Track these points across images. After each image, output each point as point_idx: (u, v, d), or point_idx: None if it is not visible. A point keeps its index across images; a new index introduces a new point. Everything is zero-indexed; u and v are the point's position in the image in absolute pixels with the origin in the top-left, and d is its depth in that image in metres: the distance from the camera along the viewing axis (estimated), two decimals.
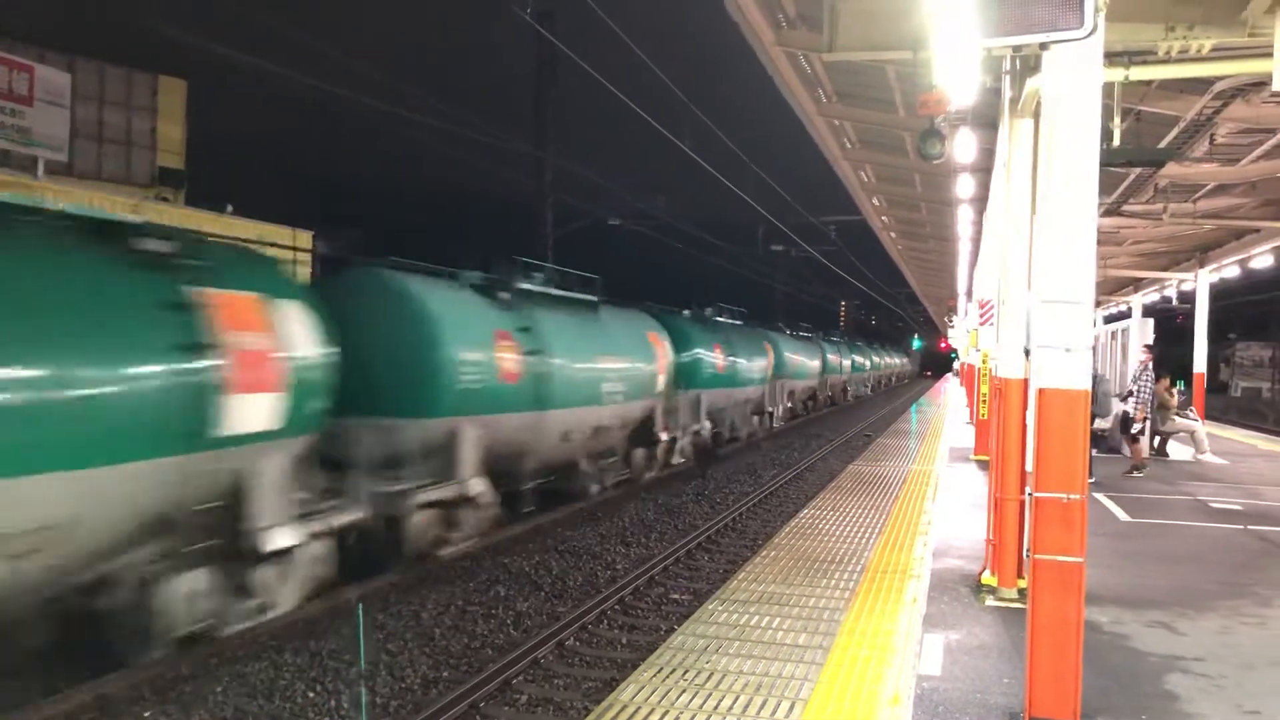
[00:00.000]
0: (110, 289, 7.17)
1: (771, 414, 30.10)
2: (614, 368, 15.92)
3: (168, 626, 7.74)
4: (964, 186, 15.60)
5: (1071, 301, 5.22)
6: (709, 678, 6.09)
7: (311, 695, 7.77)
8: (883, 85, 12.70)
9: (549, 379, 13.50)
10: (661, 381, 18.11)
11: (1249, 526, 11.39)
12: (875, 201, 22.50)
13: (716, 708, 5.59)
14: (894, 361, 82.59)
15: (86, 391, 6.61)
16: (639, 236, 36.05)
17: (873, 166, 18.35)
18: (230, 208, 21.96)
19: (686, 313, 23.80)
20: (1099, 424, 16.08)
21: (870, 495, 13.69)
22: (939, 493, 13.90)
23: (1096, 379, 15.64)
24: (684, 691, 5.83)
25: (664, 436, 18.93)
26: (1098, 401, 15.90)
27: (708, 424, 22.17)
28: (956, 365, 59.12)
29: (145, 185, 25.16)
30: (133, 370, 7.06)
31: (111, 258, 7.30)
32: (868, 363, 60.14)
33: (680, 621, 8.55)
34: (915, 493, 13.96)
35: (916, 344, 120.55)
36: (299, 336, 8.85)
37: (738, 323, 27.70)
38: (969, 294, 29.39)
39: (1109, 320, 30.86)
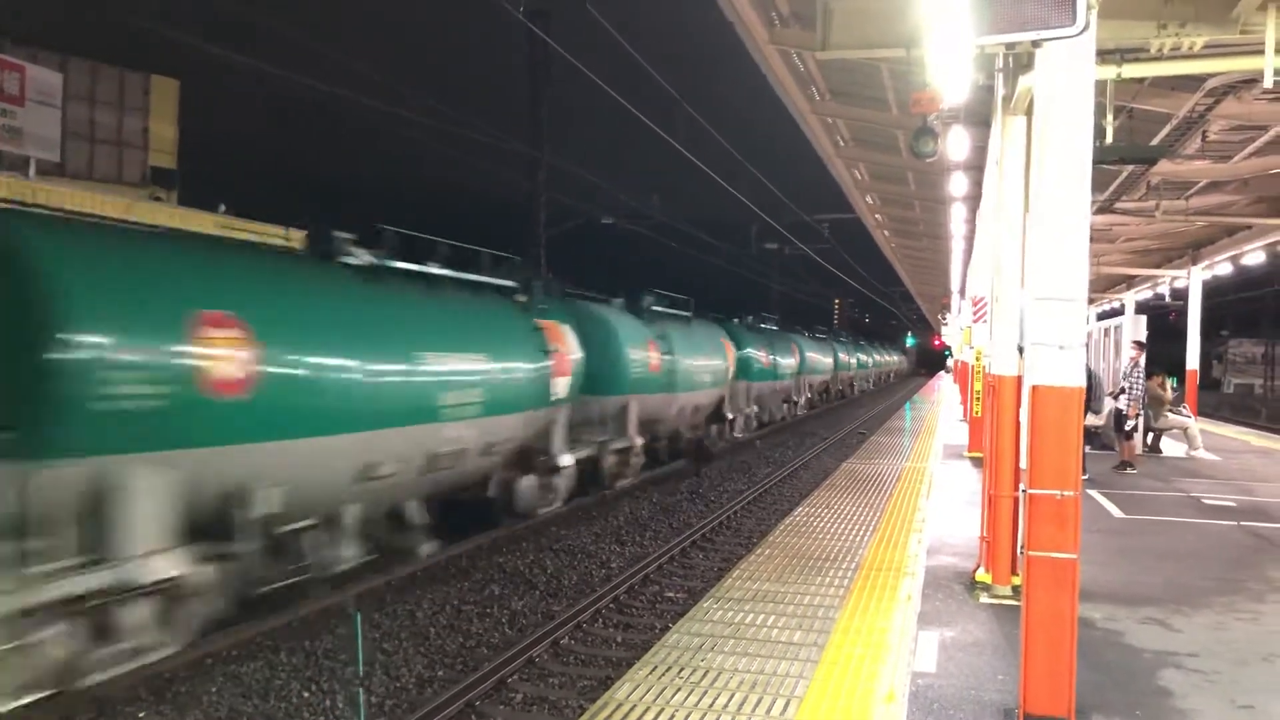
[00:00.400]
0: (517, 322, 13.28)
1: (797, 402, 35.51)
2: (707, 364, 22.00)
3: (519, 507, 13.51)
4: (957, 184, 15.63)
5: (1065, 299, 5.23)
6: (704, 675, 6.09)
7: (307, 695, 7.76)
8: (876, 83, 12.72)
9: (674, 371, 19.35)
10: (730, 374, 24.01)
11: (1242, 523, 11.42)
12: (869, 200, 22.52)
13: (712, 705, 5.60)
14: (892, 359, 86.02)
15: (517, 375, 12.75)
16: (634, 235, 36.09)
17: (866, 165, 18.37)
18: (223, 207, 21.90)
19: (736, 320, 29.38)
20: (1092, 420, 16.11)
21: (864, 493, 13.71)
22: (933, 490, 13.92)
23: (1091, 376, 15.69)
24: (679, 689, 5.84)
25: (729, 415, 24.87)
26: (1096, 398, 15.95)
27: (755, 408, 28.78)
28: (950, 363, 59.53)
29: (137, 185, 25.09)
30: (528, 364, 13.09)
31: (511, 305, 13.47)
32: (870, 360, 63.44)
33: (675, 620, 8.57)
34: (909, 490, 13.98)
35: (910, 341, 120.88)
36: (572, 345, 14.82)
37: (774, 328, 33.79)
38: (962, 291, 29.45)
39: (1102, 317, 30.93)
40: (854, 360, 54.33)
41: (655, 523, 15.25)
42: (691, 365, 20.65)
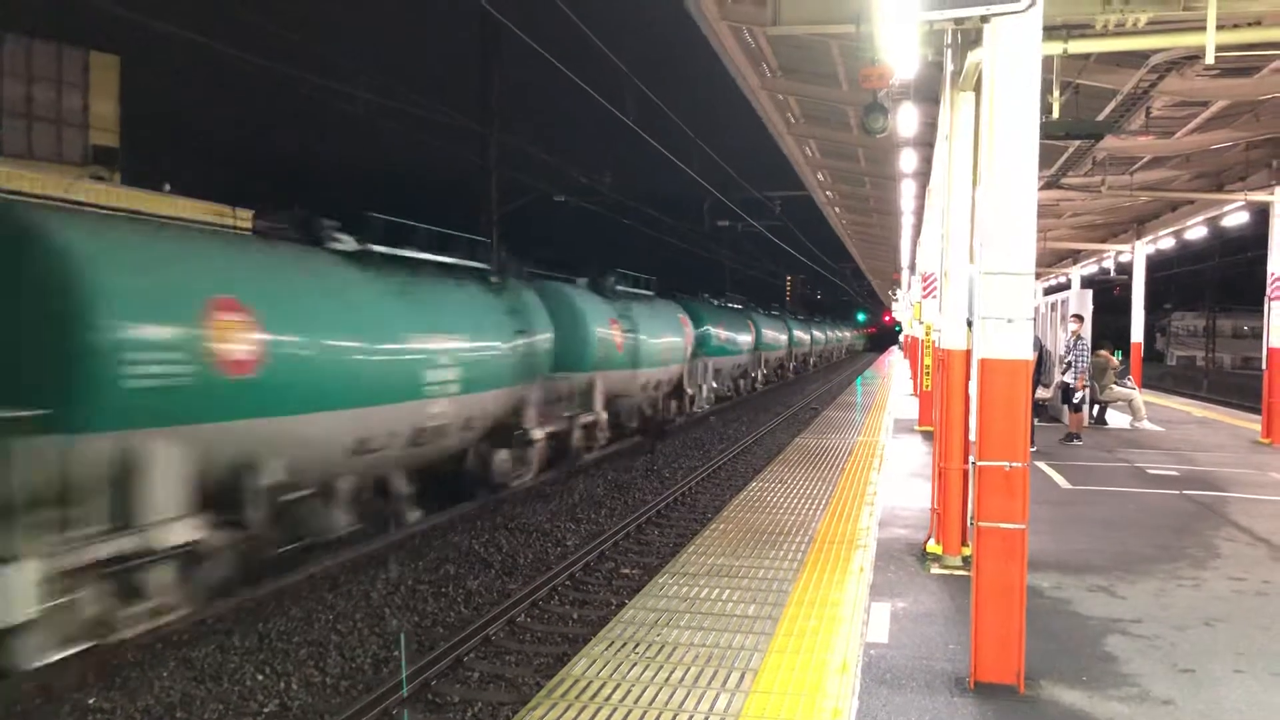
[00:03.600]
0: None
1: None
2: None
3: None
4: (907, 160, 15.73)
5: (1013, 273, 5.30)
6: (660, 650, 6.12)
7: (260, 678, 7.70)
8: (826, 60, 12.73)
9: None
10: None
11: (1185, 491, 11.67)
12: (820, 176, 22.60)
13: (668, 679, 5.63)
14: (842, 335, 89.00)
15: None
16: (586, 212, 35.92)
17: (817, 142, 18.41)
18: (168, 186, 21.46)
19: (779, 310, 38.99)
20: (1040, 393, 16.36)
21: (817, 467, 13.82)
22: (884, 464, 14.07)
23: (1040, 350, 15.93)
24: (636, 664, 5.86)
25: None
26: (1045, 372, 16.19)
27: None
28: (902, 338, 60.20)
29: (78, 164, 24.50)
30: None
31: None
32: (809, 337, 63.91)
33: (631, 596, 8.60)
34: (861, 464, 14.12)
35: (861, 317, 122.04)
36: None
37: (779, 312, 47.15)
38: (912, 267, 29.71)
39: (1049, 292, 31.38)
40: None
41: (610, 500, 15.27)
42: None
